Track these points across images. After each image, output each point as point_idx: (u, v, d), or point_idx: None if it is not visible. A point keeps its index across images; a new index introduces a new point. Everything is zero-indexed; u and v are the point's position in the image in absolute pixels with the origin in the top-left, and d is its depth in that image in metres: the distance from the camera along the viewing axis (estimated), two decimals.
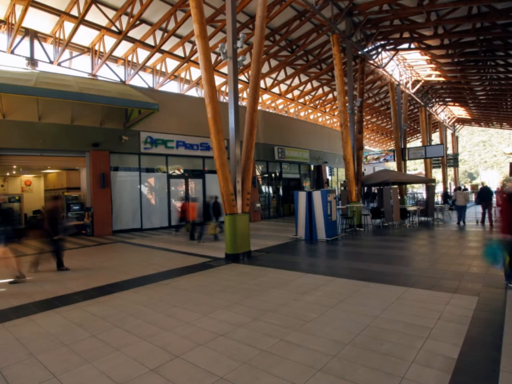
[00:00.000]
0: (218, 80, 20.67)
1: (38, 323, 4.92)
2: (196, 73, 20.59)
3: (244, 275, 7.59)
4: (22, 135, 13.30)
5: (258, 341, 4.13)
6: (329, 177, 28.86)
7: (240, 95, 22.75)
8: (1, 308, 5.60)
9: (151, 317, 5.02)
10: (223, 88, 22.91)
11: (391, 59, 22.54)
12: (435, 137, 40.66)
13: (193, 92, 21.78)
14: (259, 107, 15.96)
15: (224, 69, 19.90)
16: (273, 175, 23.80)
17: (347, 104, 16.72)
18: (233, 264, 8.73)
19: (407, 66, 26.11)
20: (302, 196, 12.62)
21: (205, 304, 5.58)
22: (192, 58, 18.58)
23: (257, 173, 21.74)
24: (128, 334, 4.44)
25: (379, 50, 20.75)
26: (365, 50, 19.18)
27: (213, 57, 18.41)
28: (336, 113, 33.28)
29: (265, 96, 26.03)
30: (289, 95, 27.00)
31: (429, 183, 20.03)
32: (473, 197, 28.96)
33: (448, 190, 33.96)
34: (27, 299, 6.06)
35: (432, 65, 24.15)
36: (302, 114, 31.19)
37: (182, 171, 18.34)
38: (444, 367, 3.38)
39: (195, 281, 7.09)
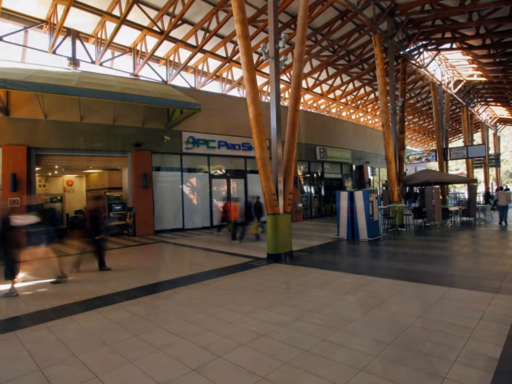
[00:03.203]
0: (260, 80, 20.59)
1: (80, 323, 4.92)
2: (238, 73, 20.56)
3: (286, 275, 7.50)
4: (64, 135, 13.54)
5: (300, 341, 4.08)
6: (370, 177, 28.43)
7: (282, 95, 22.50)
8: (43, 308, 5.65)
9: (193, 317, 4.94)
10: (265, 88, 22.83)
11: (433, 59, 22.35)
12: (477, 137, 39.93)
13: (235, 92, 21.80)
14: (300, 107, 15.73)
15: (266, 69, 19.86)
16: (315, 175, 23.59)
17: (389, 104, 16.58)
18: (275, 264, 8.58)
19: (449, 66, 25.53)
20: (344, 196, 12.53)
21: (247, 304, 5.50)
22: (234, 58, 18.57)
23: (299, 173, 21.56)
24: (169, 334, 4.38)
25: (421, 50, 20.61)
26: (407, 50, 19.01)
27: (255, 57, 18.30)
28: (377, 113, 32.79)
29: (307, 96, 25.82)
30: (331, 95, 26.71)
31: (471, 183, 19.84)
32: None
33: (490, 190, 33.35)
34: (68, 299, 6.09)
35: (474, 65, 23.61)
36: (343, 114, 30.72)
37: (224, 171, 18.35)
38: (486, 367, 3.34)
39: (237, 281, 6.99)
